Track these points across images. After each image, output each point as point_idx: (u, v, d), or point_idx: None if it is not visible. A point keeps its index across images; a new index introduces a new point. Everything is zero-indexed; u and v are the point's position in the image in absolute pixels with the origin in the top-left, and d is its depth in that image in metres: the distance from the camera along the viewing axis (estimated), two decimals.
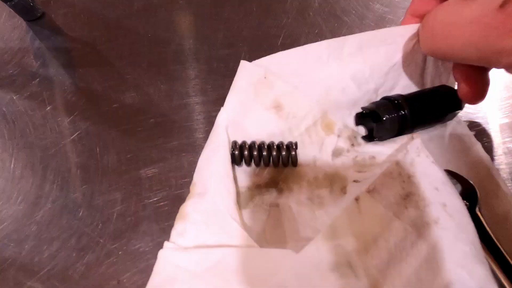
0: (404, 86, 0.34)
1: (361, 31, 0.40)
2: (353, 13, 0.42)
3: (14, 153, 0.35)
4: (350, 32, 0.41)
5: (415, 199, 0.25)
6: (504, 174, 0.33)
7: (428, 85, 0.34)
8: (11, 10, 0.42)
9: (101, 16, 0.44)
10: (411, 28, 0.32)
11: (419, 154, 0.27)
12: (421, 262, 0.22)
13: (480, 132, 0.35)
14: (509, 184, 0.32)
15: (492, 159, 0.34)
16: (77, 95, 0.39)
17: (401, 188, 0.25)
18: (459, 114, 0.34)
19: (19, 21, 0.43)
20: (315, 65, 0.34)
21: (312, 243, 0.23)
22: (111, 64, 0.41)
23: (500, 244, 0.28)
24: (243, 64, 0.35)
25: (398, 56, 0.33)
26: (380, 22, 0.42)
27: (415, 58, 0.33)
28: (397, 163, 0.26)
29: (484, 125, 0.36)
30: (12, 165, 0.34)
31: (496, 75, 0.37)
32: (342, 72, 0.33)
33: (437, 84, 0.34)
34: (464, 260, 0.23)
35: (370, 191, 0.25)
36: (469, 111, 0.36)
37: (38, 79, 0.40)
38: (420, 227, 0.24)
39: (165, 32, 0.42)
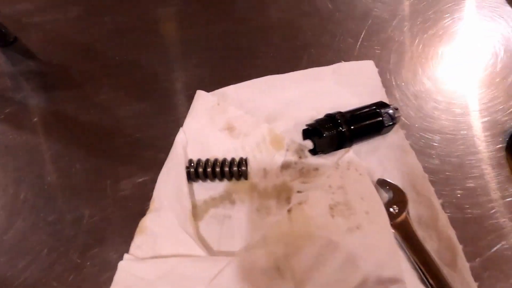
0: (342, 105, 0.38)
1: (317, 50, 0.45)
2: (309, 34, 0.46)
3: None
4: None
5: (341, 208, 0.28)
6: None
7: (367, 102, 0.38)
8: None
9: (72, 40, 0.47)
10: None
11: (349, 167, 0.30)
12: (341, 264, 0.26)
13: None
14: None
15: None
16: (49, 117, 0.41)
17: (331, 199, 0.28)
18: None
19: None
20: (260, 95, 0.39)
21: (247, 250, 0.26)
22: (81, 86, 0.43)
23: (425, 244, 0.31)
24: (199, 93, 0.40)
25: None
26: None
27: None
28: (328, 176, 0.30)
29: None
30: None
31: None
32: (284, 97, 0.39)
33: (374, 101, 0.38)
34: (380, 259, 0.26)
35: (302, 202, 0.28)
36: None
37: (11, 102, 0.42)
38: (343, 233, 0.27)
39: (134, 55, 0.45)
